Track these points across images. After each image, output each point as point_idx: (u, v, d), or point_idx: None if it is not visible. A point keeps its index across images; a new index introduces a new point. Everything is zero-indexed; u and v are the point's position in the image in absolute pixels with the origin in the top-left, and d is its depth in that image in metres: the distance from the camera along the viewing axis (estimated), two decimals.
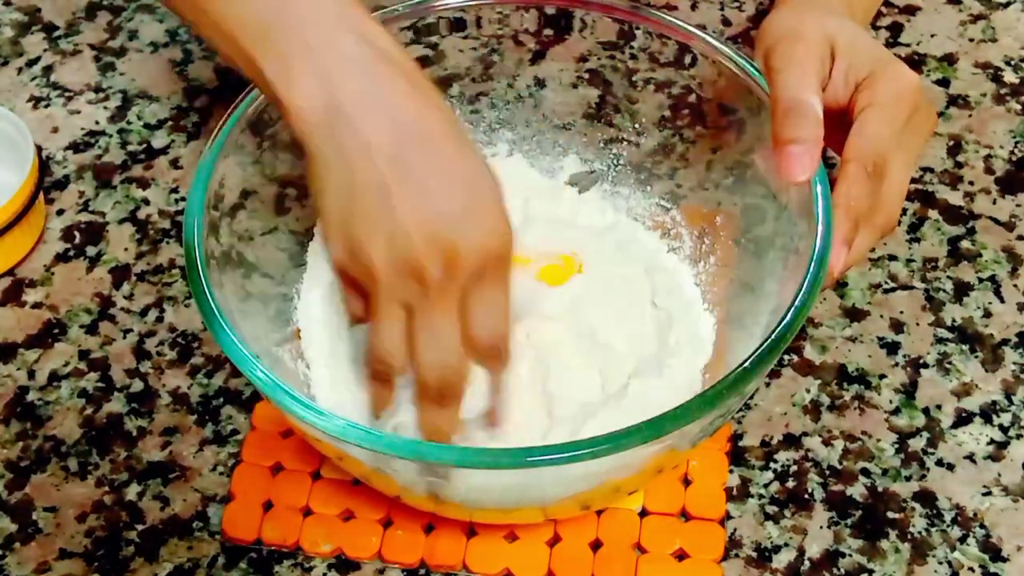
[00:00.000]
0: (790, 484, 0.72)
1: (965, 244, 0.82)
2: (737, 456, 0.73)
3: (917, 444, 0.73)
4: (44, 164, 0.86)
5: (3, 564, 0.70)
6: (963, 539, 0.70)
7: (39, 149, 0.85)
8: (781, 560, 0.69)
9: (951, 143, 0.88)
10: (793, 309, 0.61)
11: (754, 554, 0.69)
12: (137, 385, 0.77)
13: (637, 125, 0.79)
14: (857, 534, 0.70)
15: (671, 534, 0.69)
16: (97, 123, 0.91)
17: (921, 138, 0.68)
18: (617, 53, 0.77)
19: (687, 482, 0.71)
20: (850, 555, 0.69)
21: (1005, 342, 0.78)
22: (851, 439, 0.73)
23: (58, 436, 0.75)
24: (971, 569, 0.68)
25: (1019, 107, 0.90)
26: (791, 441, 0.73)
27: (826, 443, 0.73)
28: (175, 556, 0.70)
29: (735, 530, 0.70)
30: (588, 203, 0.79)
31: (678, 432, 0.58)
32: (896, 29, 0.95)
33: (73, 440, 0.75)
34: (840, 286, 0.80)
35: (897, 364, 0.77)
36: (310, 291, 0.73)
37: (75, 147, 0.90)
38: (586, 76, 0.79)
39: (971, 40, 0.94)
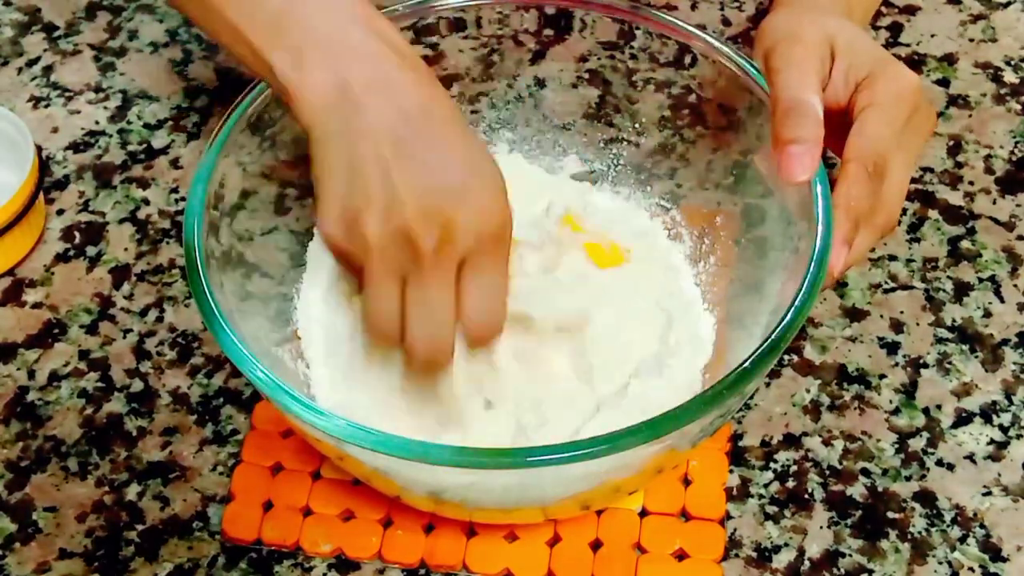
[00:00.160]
0: (790, 484, 0.72)
1: (965, 244, 0.82)
2: (737, 456, 0.73)
3: (917, 444, 0.73)
4: (44, 164, 0.86)
5: (3, 564, 0.70)
6: (963, 539, 0.70)
7: (39, 149, 0.85)
8: (781, 560, 0.69)
9: (951, 143, 0.88)
10: (793, 310, 0.61)
11: (754, 554, 0.69)
12: (137, 385, 0.77)
13: (637, 125, 0.79)
14: (857, 534, 0.70)
15: (671, 534, 0.69)
16: (97, 123, 0.91)
17: (921, 138, 0.68)
18: (617, 53, 0.77)
19: (687, 482, 0.71)
20: (850, 555, 0.69)
21: (1005, 342, 0.78)
22: (851, 439, 0.73)
23: (58, 436, 0.75)
24: (971, 569, 0.68)
25: (1019, 107, 0.90)
26: (791, 441, 0.73)
27: (826, 443, 0.73)
28: (175, 556, 0.70)
29: (735, 530, 0.70)
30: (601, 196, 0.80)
31: (678, 432, 0.58)
32: (896, 29, 0.95)
33: (73, 440, 0.75)
34: (840, 286, 0.80)
35: (897, 364, 0.77)
36: (310, 291, 0.73)
37: (75, 147, 0.90)
38: (586, 76, 0.79)
39: (971, 40, 0.94)
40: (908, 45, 0.94)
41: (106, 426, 0.75)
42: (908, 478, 0.72)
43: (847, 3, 0.76)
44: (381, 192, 0.58)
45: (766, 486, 0.72)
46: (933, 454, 0.73)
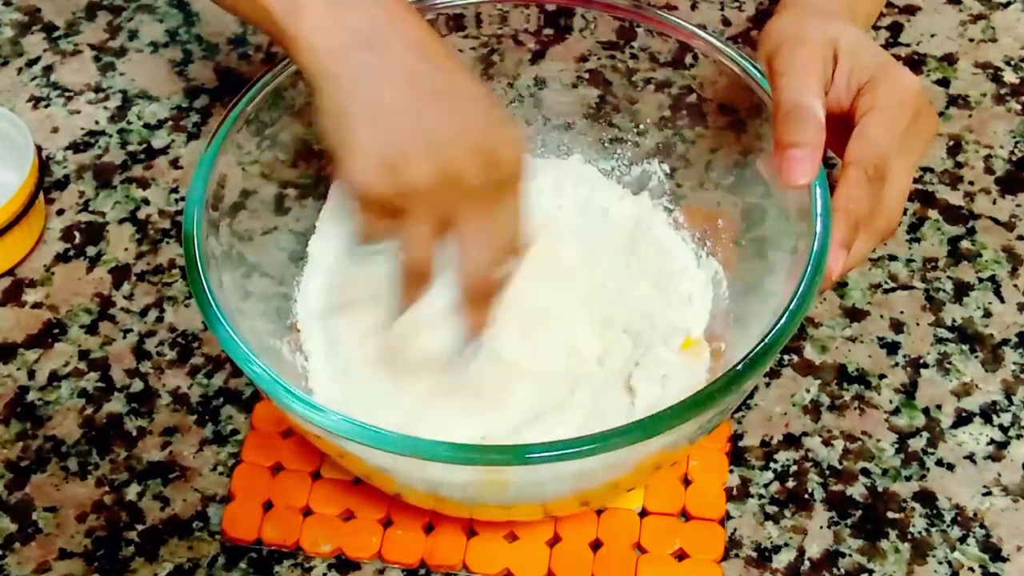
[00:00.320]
0: (790, 484, 0.72)
1: (965, 244, 0.82)
2: (737, 456, 0.73)
3: (917, 444, 0.73)
4: (44, 164, 0.86)
5: (3, 564, 0.70)
6: (963, 539, 0.70)
7: (39, 149, 0.85)
8: (781, 560, 0.69)
9: (951, 143, 0.88)
10: (788, 312, 0.61)
11: (754, 554, 0.69)
12: (137, 385, 0.77)
13: (638, 125, 0.78)
14: (857, 534, 0.70)
15: (671, 534, 0.69)
16: (97, 123, 0.91)
17: (922, 142, 0.68)
18: (617, 53, 0.77)
19: (687, 482, 0.71)
20: (850, 555, 0.69)
21: (1005, 342, 0.78)
22: (851, 439, 0.73)
23: (58, 436, 0.75)
24: (971, 569, 0.68)
25: (1019, 107, 0.90)
26: (791, 441, 0.73)
27: (826, 443, 0.73)
28: (175, 556, 0.70)
29: (735, 530, 0.70)
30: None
31: (674, 431, 0.58)
32: (896, 29, 0.95)
33: (73, 440, 0.75)
34: (840, 286, 0.80)
35: (897, 364, 0.77)
36: (310, 282, 0.73)
37: (75, 147, 0.90)
38: (586, 76, 0.79)
39: (971, 40, 0.94)
40: (908, 45, 0.94)
41: (106, 426, 0.75)
42: (908, 478, 0.72)
43: (850, 6, 0.76)
44: (419, 135, 0.60)
45: (766, 486, 0.72)
46: (933, 454, 0.73)
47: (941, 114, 0.89)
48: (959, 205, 0.84)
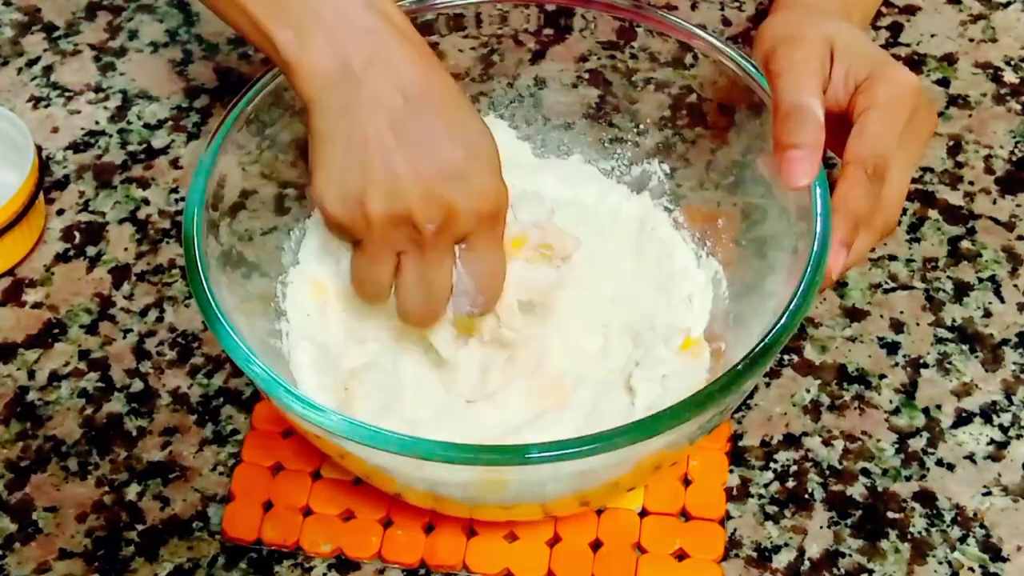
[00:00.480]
0: (790, 484, 0.72)
1: (965, 244, 0.82)
2: (737, 456, 0.73)
3: (917, 444, 0.73)
4: (44, 164, 0.86)
5: (3, 564, 0.70)
6: (963, 539, 0.70)
7: (39, 149, 0.85)
8: (781, 560, 0.69)
9: (951, 143, 0.88)
10: (788, 312, 0.61)
11: (754, 554, 0.69)
12: (137, 385, 0.77)
13: (638, 125, 0.78)
14: (857, 534, 0.70)
15: (671, 534, 0.69)
16: (97, 123, 0.91)
17: (921, 140, 0.68)
18: (617, 53, 0.77)
19: (687, 482, 0.71)
20: (850, 555, 0.69)
21: (1005, 342, 0.78)
22: (851, 439, 0.73)
23: (58, 436, 0.75)
24: (971, 569, 0.68)
25: (1019, 107, 0.90)
26: (791, 441, 0.73)
27: (826, 443, 0.73)
28: (175, 556, 0.70)
29: (735, 530, 0.70)
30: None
31: (674, 431, 0.58)
32: (896, 29, 0.95)
33: (73, 440, 0.75)
34: (840, 286, 0.80)
35: (897, 364, 0.77)
36: (301, 277, 0.73)
37: (75, 147, 0.90)
38: (586, 76, 0.79)
39: (971, 40, 0.94)
40: (908, 45, 0.94)
41: (106, 426, 0.75)
42: (908, 478, 0.72)
43: (846, 5, 0.76)
44: (384, 173, 0.60)
45: (766, 486, 0.72)
46: (933, 454, 0.73)
47: (941, 114, 0.89)
48: (959, 205, 0.84)
